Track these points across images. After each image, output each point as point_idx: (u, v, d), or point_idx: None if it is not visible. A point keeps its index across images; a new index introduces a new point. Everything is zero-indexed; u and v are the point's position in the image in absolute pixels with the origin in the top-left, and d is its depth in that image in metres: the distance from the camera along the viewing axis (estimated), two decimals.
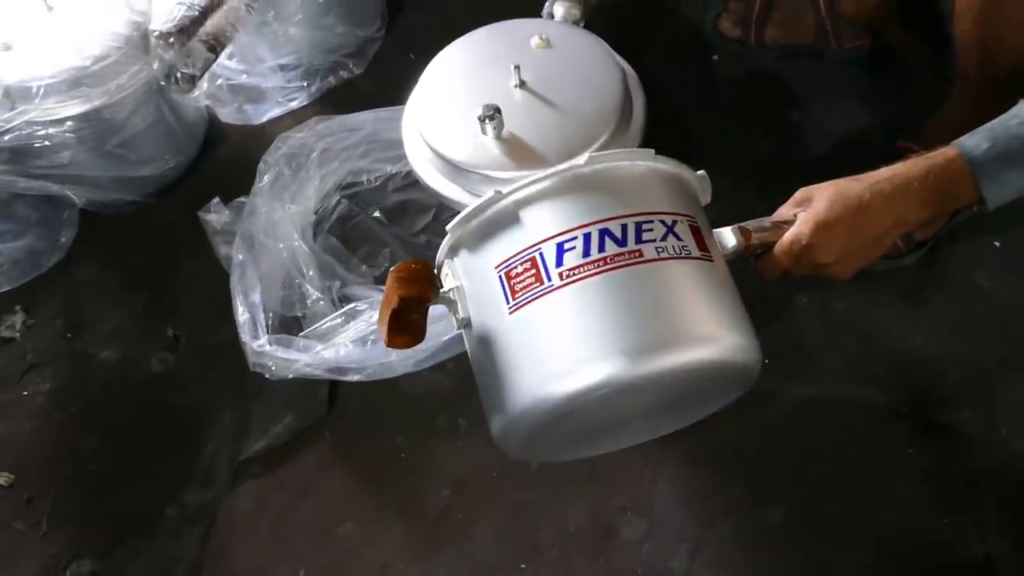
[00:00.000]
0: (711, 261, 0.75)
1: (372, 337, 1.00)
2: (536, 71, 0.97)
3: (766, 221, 0.83)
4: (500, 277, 0.73)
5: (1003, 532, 0.95)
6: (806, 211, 0.80)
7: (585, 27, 1.09)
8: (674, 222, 0.74)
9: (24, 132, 1.12)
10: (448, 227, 0.76)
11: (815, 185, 0.82)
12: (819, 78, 1.39)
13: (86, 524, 1.02)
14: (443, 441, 1.04)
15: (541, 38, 1.00)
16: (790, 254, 0.80)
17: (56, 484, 1.05)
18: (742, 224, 0.85)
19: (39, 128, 1.12)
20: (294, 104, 1.39)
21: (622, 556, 0.95)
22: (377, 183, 1.25)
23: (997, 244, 1.19)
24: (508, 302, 0.72)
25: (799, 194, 0.83)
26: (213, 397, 1.10)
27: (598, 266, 0.70)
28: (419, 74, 1.05)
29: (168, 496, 1.02)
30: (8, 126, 1.11)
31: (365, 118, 1.22)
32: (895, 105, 1.33)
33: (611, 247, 0.71)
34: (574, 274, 0.70)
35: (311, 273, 1.10)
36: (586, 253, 0.71)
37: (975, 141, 0.78)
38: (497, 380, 0.73)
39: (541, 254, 0.71)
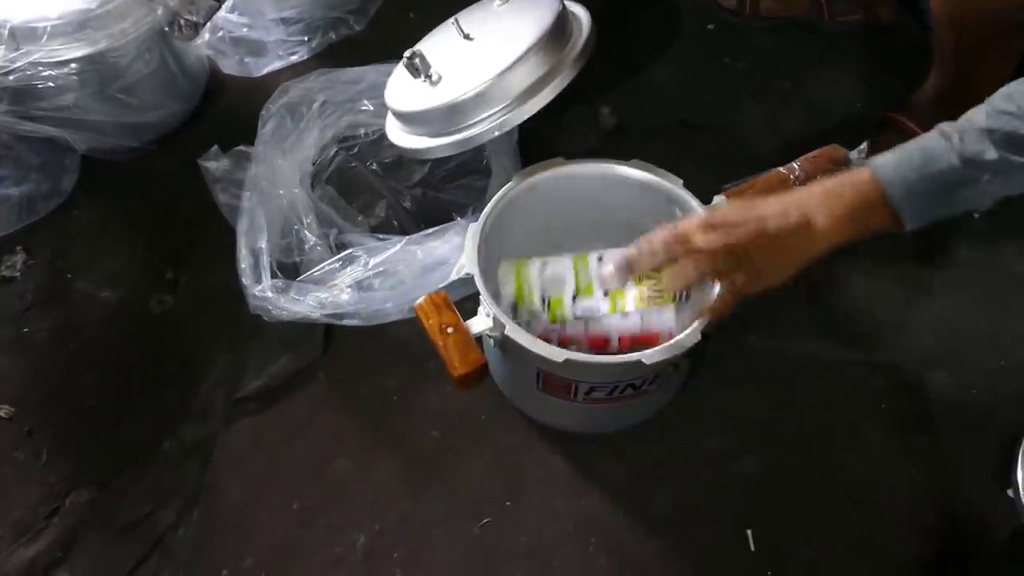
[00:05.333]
0: None
1: (368, 282, 1.04)
2: (484, 26, 1.01)
3: (745, 185, 0.89)
4: (539, 372, 0.90)
5: (968, 487, 0.99)
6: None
7: None
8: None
9: (28, 73, 1.13)
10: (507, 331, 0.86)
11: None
12: (811, 50, 1.42)
13: (85, 456, 1.04)
14: (434, 385, 1.07)
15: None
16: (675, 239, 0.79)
17: (55, 417, 1.07)
18: (731, 191, 0.91)
19: (43, 69, 1.13)
20: (294, 58, 1.41)
21: (604, 498, 0.99)
22: (374, 136, 1.27)
23: (976, 215, 1.22)
24: (537, 386, 0.93)
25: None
26: (211, 338, 1.12)
27: (614, 400, 0.92)
28: (418, 32, 1.08)
29: (166, 431, 1.05)
30: (13, 66, 1.11)
31: (365, 72, 1.24)
32: (885, 77, 1.37)
33: (628, 391, 0.91)
34: (594, 401, 0.92)
35: (309, 220, 1.12)
36: (609, 394, 0.91)
37: (884, 161, 0.75)
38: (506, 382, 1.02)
39: (577, 384, 0.90)
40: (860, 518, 0.97)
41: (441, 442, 1.03)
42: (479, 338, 0.87)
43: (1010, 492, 0.96)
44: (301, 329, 1.09)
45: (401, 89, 1.04)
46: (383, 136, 1.28)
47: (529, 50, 0.93)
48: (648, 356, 0.84)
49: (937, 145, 0.73)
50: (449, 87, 0.96)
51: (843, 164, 0.97)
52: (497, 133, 0.95)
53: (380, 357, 1.09)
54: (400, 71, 1.04)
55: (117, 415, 1.07)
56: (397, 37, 1.29)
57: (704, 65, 1.43)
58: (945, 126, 0.74)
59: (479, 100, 0.94)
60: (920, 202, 0.74)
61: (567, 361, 0.83)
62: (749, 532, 0.96)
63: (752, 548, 0.96)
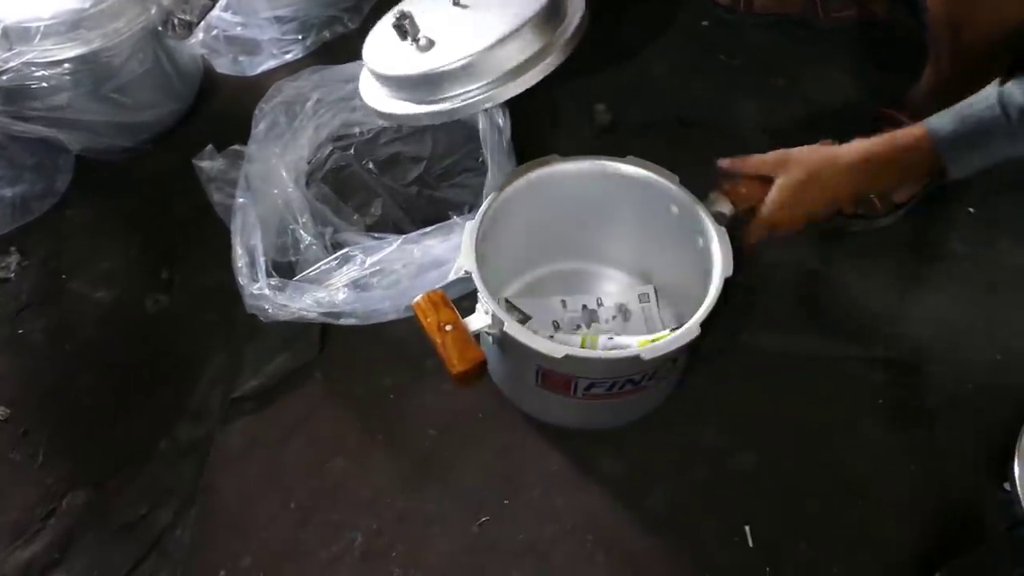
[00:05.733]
0: None
1: (364, 281, 1.03)
2: None
3: (740, 182, 0.93)
4: (538, 368, 0.91)
5: (966, 481, 1.00)
6: (781, 180, 0.88)
7: None
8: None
9: (22, 73, 1.12)
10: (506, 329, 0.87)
11: (792, 151, 0.90)
12: (806, 46, 1.43)
13: (81, 456, 1.04)
14: (431, 384, 1.07)
15: None
16: (761, 231, 0.91)
17: (51, 418, 1.07)
18: (724, 188, 0.91)
19: (36, 69, 1.13)
20: (289, 57, 1.41)
21: (602, 495, 0.99)
22: (369, 135, 1.28)
23: (971, 211, 1.23)
24: (537, 382, 0.93)
25: (775, 156, 0.90)
26: (206, 338, 1.12)
27: (613, 396, 0.92)
28: None
29: (162, 431, 1.04)
30: (6, 67, 1.11)
31: (358, 70, 1.24)
32: (879, 73, 1.37)
33: (628, 386, 0.91)
34: (594, 397, 0.92)
35: (304, 219, 1.12)
36: (608, 390, 0.91)
37: (942, 123, 0.84)
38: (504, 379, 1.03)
39: (576, 380, 0.90)
40: (858, 513, 0.98)
41: (438, 441, 1.03)
42: (477, 335, 0.87)
43: (1007, 486, 0.97)
44: (297, 328, 1.09)
45: (384, 50, 1.00)
46: (378, 134, 1.29)
47: (524, 24, 0.92)
48: (647, 351, 0.84)
49: (984, 92, 0.82)
50: (439, 54, 0.94)
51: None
52: (486, 107, 0.94)
53: (377, 356, 1.08)
54: (383, 30, 1.02)
55: (113, 415, 1.07)
56: None
57: (699, 62, 1.42)
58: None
59: (469, 70, 0.92)
60: (963, 148, 0.83)
61: (567, 357, 0.84)
62: (747, 528, 0.96)
63: (751, 544, 0.96)
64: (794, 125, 1.33)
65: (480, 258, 0.91)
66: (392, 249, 1.04)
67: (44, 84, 1.15)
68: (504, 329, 0.85)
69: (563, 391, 0.92)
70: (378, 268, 1.04)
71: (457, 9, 0.98)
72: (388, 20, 1.01)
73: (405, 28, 0.95)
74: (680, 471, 1.01)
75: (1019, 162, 0.86)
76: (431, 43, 0.95)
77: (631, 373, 0.89)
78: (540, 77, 0.94)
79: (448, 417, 1.05)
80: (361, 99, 1.06)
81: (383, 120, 1.05)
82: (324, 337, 1.11)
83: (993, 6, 0.94)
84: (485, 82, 0.93)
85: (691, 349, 0.90)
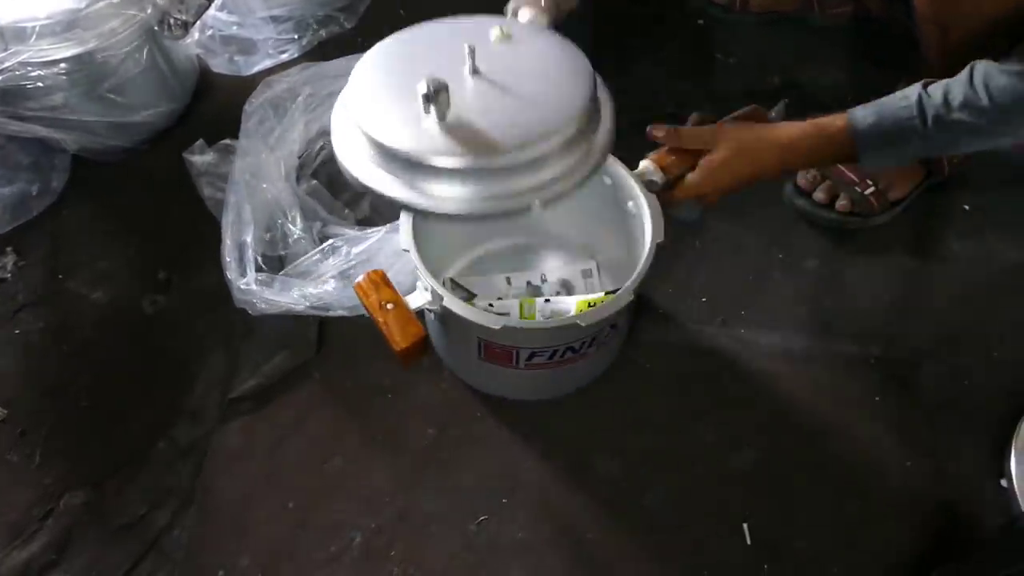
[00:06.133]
0: None
1: (351, 272, 1.04)
2: (493, 60, 0.80)
3: (671, 152, 0.95)
4: (480, 341, 0.92)
5: (962, 477, 1.00)
6: (713, 154, 0.92)
7: None
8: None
9: (17, 73, 1.12)
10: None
11: (725, 127, 0.95)
12: (802, 45, 1.43)
13: (79, 457, 1.04)
14: (429, 383, 1.07)
15: (503, 31, 0.83)
16: (689, 193, 0.94)
17: (49, 419, 1.07)
18: (653, 157, 0.95)
19: (32, 69, 1.13)
20: (284, 56, 1.40)
21: (600, 494, 0.99)
22: None
23: (966, 207, 1.23)
24: (479, 355, 0.95)
25: (709, 130, 0.94)
26: (203, 338, 1.12)
27: (555, 364, 0.94)
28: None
29: (160, 431, 1.04)
30: (1, 66, 1.10)
31: (349, 65, 1.23)
32: (875, 70, 1.37)
33: (568, 354, 0.93)
34: (536, 366, 0.94)
35: (294, 214, 1.12)
36: (550, 358, 0.93)
37: (864, 114, 0.90)
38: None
39: (517, 351, 0.91)
40: (856, 510, 0.98)
41: (437, 439, 1.03)
42: (420, 313, 0.88)
43: (1003, 482, 0.97)
44: (294, 328, 1.09)
45: (395, 115, 0.77)
46: None
47: (566, 123, 0.77)
48: (584, 317, 0.86)
49: (906, 91, 0.89)
50: (468, 140, 0.75)
51: (764, 123, 0.99)
52: (529, 211, 0.78)
53: (374, 355, 1.08)
54: (394, 87, 0.80)
55: (110, 416, 1.07)
56: (387, 34, 1.29)
57: (694, 60, 1.43)
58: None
59: (501, 175, 0.76)
60: (879, 142, 0.89)
61: (504, 328, 0.85)
62: (745, 526, 0.97)
63: (749, 541, 0.96)
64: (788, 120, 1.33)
65: (424, 237, 0.91)
66: (376, 239, 1.05)
67: (40, 84, 1.14)
68: (444, 304, 0.87)
69: (506, 362, 0.94)
70: (364, 258, 1.04)
71: (477, 79, 0.79)
72: (399, 74, 0.81)
73: (437, 102, 0.74)
74: (678, 469, 1.01)
75: (1014, 159, 0.87)
76: (460, 125, 0.76)
77: (571, 340, 0.90)
78: (575, 188, 0.79)
79: (446, 416, 1.05)
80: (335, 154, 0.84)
81: (384, 200, 0.79)
82: (321, 336, 1.11)
83: (975, 2, 0.95)
84: (514, 190, 0.77)
85: (629, 313, 0.91)
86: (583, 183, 0.79)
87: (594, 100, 0.80)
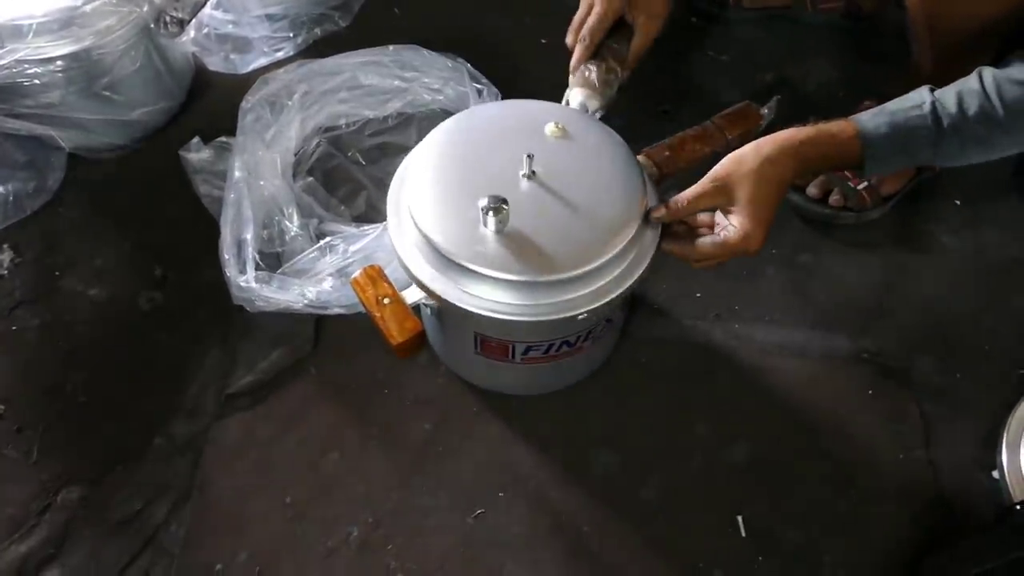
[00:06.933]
0: None
1: (349, 270, 1.04)
2: (549, 163, 0.84)
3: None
4: (476, 335, 0.91)
5: (954, 469, 1.01)
6: (739, 205, 0.82)
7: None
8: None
9: (13, 70, 1.12)
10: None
11: (721, 174, 0.84)
12: (794, 42, 1.44)
13: (76, 453, 1.04)
14: (425, 378, 1.07)
15: (557, 126, 0.88)
16: (751, 247, 0.83)
17: (46, 415, 1.07)
18: (650, 151, 0.92)
19: (28, 67, 1.13)
20: (280, 54, 1.41)
21: (595, 487, 1.00)
22: (355, 127, 1.29)
23: (958, 203, 1.24)
24: (476, 350, 0.94)
25: (712, 187, 0.84)
26: (200, 335, 1.12)
27: (551, 358, 0.94)
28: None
29: (156, 427, 1.05)
30: None
31: (345, 62, 1.24)
32: (867, 66, 1.38)
33: (564, 348, 0.92)
34: (532, 360, 0.94)
35: (290, 211, 1.12)
36: (545, 352, 0.92)
37: (876, 124, 0.85)
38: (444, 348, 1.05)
39: (514, 345, 0.91)
40: (849, 502, 0.99)
41: (433, 434, 1.04)
42: (416, 308, 0.88)
43: (995, 474, 0.98)
44: (291, 324, 1.10)
45: (451, 225, 0.82)
46: (364, 126, 1.30)
47: (619, 238, 0.81)
48: (580, 311, 0.84)
49: (916, 97, 0.86)
50: (523, 255, 0.79)
51: (756, 120, 0.98)
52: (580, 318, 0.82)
53: (370, 351, 1.08)
54: (438, 191, 0.84)
55: (107, 412, 1.07)
56: (382, 33, 1.30)
57: (687, 57, 1.43)
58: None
59: (560, 285, 0.80)
60: (888, 150, 0.85)
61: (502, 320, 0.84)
62: (740, 518, 0.98)
63: (743, 534, 0.97)
64: (781, 119, 1.34)
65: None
66: (374, 236, 1.05)
67: (36, 82, 1.14)
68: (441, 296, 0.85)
69: (502, 356, 0.94)
70: (361, 256, 1.05)
71: (532, 184, 0.84)
72: (458, 169, 0.86)
73: (496, 217, 0.78)
74: (673, 462, 1.02)
75: (1005, 156, 0.87)
76: (515, 239, 0.80)
77: (566, 334, 0.90)
78: (626, 291, 0.84)
79: (443, 410, 1.05)
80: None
81: (430, 295, 0.85)
82: (318, 332, 1.11)
83: (968, 1, 0.96)
84: (565, 300, 0.81)
85: (625, 306, 0.90)
86: (631, 289, 0.84)
87: (644, 205, 0.84)
